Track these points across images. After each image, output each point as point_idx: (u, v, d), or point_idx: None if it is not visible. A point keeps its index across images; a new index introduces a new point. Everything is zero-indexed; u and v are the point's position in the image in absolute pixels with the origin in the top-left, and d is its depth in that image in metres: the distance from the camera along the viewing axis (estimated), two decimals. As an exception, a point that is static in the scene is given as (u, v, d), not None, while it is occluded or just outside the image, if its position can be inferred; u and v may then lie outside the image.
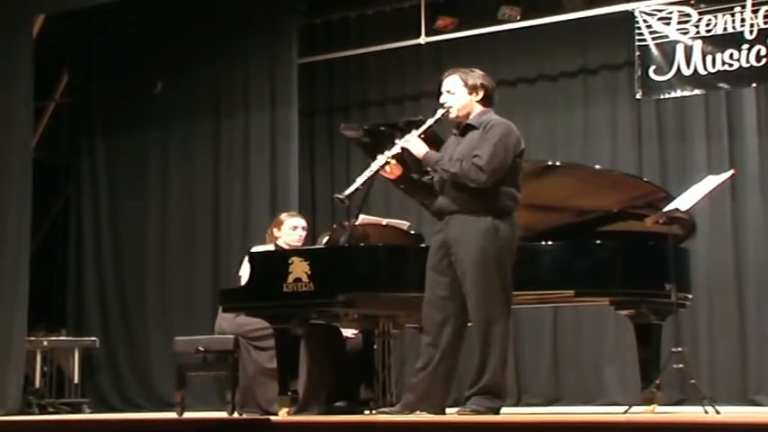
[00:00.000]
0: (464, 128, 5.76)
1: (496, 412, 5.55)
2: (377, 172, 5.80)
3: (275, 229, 7.39)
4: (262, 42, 10.09)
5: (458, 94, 5.74)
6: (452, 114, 5.78)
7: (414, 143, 5.75)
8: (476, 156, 5.58)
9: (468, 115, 5.76)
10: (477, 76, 5.77)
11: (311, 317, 6.33)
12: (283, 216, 7.51)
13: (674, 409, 7.47)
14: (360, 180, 5.82)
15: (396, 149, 5.78)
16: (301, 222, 7.44)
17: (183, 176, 10.41)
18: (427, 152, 5.73)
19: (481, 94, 5.75)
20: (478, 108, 5.76)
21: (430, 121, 5.82)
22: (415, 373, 5.78)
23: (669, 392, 7.64)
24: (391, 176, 5.83)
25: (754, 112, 8.82)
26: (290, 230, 7.34)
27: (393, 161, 5.77)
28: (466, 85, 5.73)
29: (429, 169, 5.79)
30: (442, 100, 5.79)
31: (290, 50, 9.96)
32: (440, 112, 5.79)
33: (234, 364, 7.06)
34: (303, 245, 7.35)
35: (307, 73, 10.30)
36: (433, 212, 5.83)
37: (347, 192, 5.83)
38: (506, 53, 9.70)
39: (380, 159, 5.79)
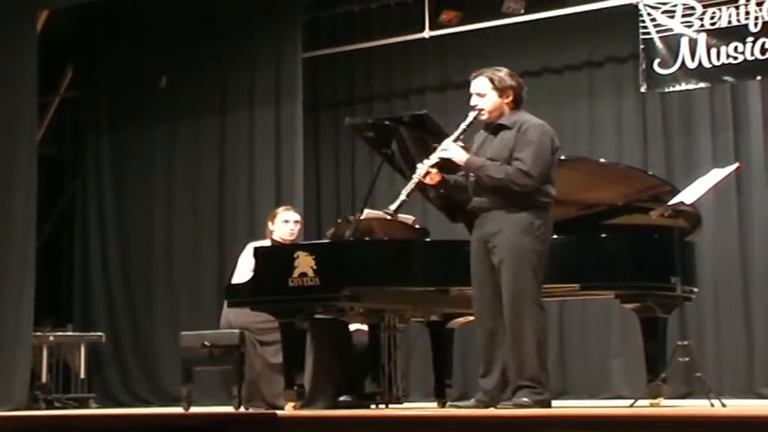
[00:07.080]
0: (495, 127, 5.78)
1: (546, 405, 5.52)
2: (419, 182, 5.82)
3: (270, 222, 7.41)
4: (266, 37, 10.07)
5: (488, 96, 5.76)
6: (484, 117, 5.80)
7: (453, 151, 5.76)
8: (517, 159, 5.60)
9: (499, 116, 5.79)
10: (505, 78, 5.77)
11: (317, 311, 6.34)
12: (278, 209, 7.52)
13: (681, 403, 7.47)
14: (404, 192, 5.83)
15: (435, 158, 5.79)
16: (293, 216, 7.43)
17: (188, 171, 10.40)
18: (468, 158, 5.74)
19: (511, 96, 5.77)
20: (508, 109, 5.79)
21: (463, 126, 5.82)
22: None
23: (675, 386, 7.62)
24: (431, 183, 5.87)
25: (759, 104, 8.79)
26: (282, 224, 7.35)
27: (434, 170, 5.79)
28: (495, 87, 5.75)
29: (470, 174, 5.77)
30: (472, 103, 5.80)
31: (294, 45, 9.95)
32: (472, 116, 5.80)
33: (240, 358, 7.07)
34: (295, 239, 7.33)
35: (311, 67, 10.29)
36: (467, 211, 5.84)
37: (395, 206, 5.85)
38: (511, 47, 9.65)
39: (421, 169, 5.81)
